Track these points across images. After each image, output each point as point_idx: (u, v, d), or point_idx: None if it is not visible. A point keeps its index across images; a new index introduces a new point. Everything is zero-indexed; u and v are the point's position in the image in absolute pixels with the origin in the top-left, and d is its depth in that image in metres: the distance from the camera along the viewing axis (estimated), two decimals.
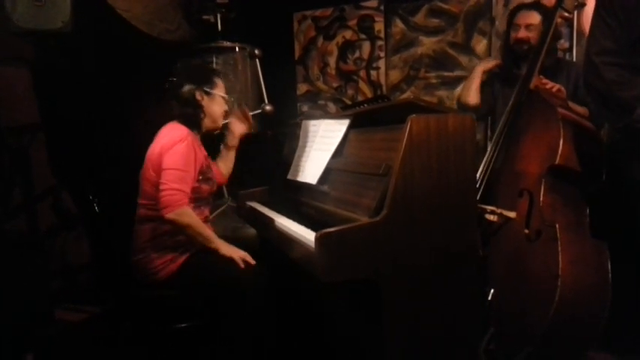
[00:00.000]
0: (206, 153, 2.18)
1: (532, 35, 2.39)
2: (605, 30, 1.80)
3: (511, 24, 2.50)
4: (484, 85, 2.62)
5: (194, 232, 1.94)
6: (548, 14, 2.38)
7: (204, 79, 2.12)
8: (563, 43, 2.96)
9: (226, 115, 2.24)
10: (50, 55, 2.52)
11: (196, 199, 2.05)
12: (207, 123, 2.15)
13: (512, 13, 2.53)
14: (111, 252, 2.24)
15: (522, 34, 2.41)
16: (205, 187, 2.10)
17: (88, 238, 2.72)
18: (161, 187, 1.89)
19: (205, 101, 2.10)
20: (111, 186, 2.31)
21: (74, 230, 2.70)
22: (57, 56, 2.54)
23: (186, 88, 2.07)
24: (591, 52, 1.85)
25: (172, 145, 1.94)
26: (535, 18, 2.41)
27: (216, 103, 2.14)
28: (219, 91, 2.16)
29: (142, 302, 2.04)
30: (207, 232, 1.99)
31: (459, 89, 3.36)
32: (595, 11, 1.86)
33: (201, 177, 2.06)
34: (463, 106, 2.58)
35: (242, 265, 1.93)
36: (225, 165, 2.38)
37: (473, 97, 2.40)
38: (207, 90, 2.10)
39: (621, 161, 1.93)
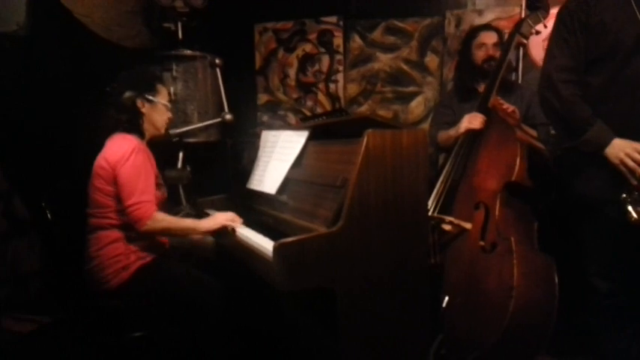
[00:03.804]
0: (154, 160, 2.14)
1: (497, 53, 2.48)
2: (565, 47, 1.83)
3: (471, 44, 2.57)
4: (445, 106, 2.72)
5: (174, 232, 2.01)
6: (503, 37, 2.52)
7: (146, 86, 2.07)
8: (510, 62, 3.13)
9: (170, 122, 2.20)
10: (4, 58, 2.45)
11: None
12: (149, 130, 2.11)
13: (474, 34, 2.60)
14: (63, 260, 2.18)
15: (492, 51, 2.50)
16: (157, 193, 2.07)
17: (39, 245, 2.64)
18: (126, 203, 1.88)
19: (146, 109, 2.07)
20: (65, 193, 2.26)
21: (26, 237, 2.62)
22: (11, 59, 2.47)
23: (127, 95, 2.02)
24: (549, 68, 1.87)
25: (127, 158, 1.91)
26: (496, 37, 2.54)
27: (157, 111, 2.10)
28: (162, 98, 2.12)
29: (93, 312, 2.00)
30: (185, 223, 2.07)
31: (413, 104, 3.50)
32: (555, 28, 1.88)
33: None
34: (437, 144, 2.60)
35: (233, 227, 2.00)
36: None
37: (451, 144, 2.44)
38: (149, 97, 2.06)
39: (563, 176, 1.98)
